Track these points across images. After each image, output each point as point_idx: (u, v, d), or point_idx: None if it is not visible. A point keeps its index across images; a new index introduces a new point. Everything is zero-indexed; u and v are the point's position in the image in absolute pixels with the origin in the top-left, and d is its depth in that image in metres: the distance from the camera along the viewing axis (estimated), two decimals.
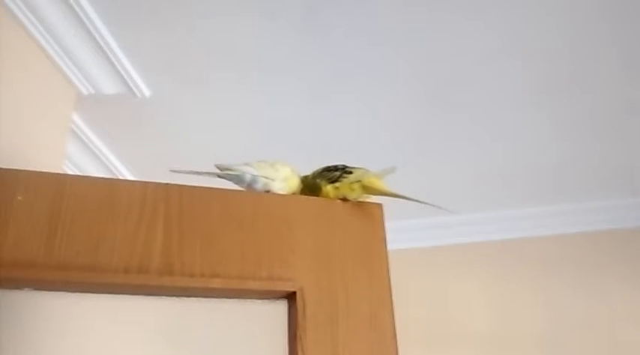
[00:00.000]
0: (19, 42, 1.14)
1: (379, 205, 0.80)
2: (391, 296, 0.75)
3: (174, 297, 0.67)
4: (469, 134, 1.66)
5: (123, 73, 1.35)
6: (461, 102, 1.52)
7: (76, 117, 1.48)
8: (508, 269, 2.05)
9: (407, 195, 0.77)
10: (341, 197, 0.79)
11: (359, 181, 0.78)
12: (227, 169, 0.78)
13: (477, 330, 1.97)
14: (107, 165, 1.65)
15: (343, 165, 0.84)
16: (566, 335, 1.90)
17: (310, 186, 0.84)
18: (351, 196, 0.78)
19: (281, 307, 0.72)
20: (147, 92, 1.43)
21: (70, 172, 1.59)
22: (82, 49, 1.27)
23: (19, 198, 0.64)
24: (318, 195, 0.82)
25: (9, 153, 1.07)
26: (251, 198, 0.75)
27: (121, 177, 1.74)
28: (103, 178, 0.70)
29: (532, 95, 1.50)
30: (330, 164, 0.86)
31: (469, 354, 1.95)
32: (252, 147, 1.62)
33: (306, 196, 0.82)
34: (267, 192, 0.78)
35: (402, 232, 2.07)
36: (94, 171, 1.65)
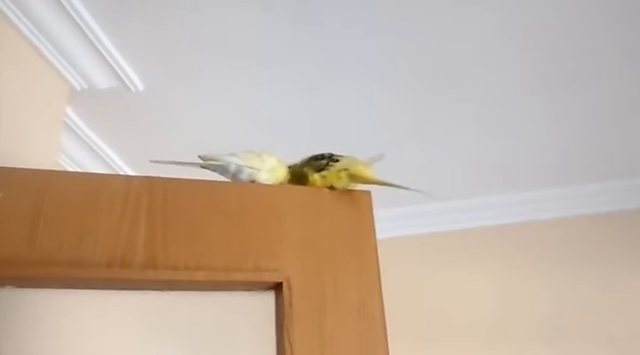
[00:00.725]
0: (9, 39, 1.13)
1: (367, 193, 0.79)
2: (380, 284, 0.75)
3: (158, 291, 0.67)
4: (468, 125, 1.64)
5: (115, 67, 1.34)
6: (460, 93, 1.50)
7: (71, 112, 1.48)
8: (507, 255, 2.03)
9: (394, 182, 0.76)
10: (328, 185, 0.78)
11: (346, 169, 0.77)
12: (211, 159, 0.77)
13: (475, 318, 1.96)
14: (105, 160, 1.65)
15: (330, 154, 0.83)
16: (567, 320, 1.88)
17: (298, 175, 0.83)
18: (339, 185, 0.77)
19: (268, 298, 0.71)
20: (140, 86, 1.42)
21: (70, 168, 1.60)
22: (74, 44, 1.26)
23: None
24: (305, 184, 0.82)
25: (2, 151, 1.07)
26: (237, 188, 0.75)
27: (120, 172, 1.74)
28: (85, 173, 0.70)
29: (531, 86, 1.47)
30: (317, 152, 0.85)
31: (467, 343, 1.94)
32: (248, 139, 1.61)
33: (292, 185, 0.81)
34: (253, 182, 0.78)
35: (398, 219, 2.06)
36: (93, 166, 1.65)
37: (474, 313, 1.96)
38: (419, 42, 1.32)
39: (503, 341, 1.90)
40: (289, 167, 0.84)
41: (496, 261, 2.03)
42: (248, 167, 0.77)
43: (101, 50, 1.29)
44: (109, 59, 1.32)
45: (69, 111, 1.47)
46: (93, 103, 1.47)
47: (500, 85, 1.46)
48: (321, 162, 0.81)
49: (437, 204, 2.07)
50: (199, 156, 0.77)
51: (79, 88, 1.34)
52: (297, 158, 0.89)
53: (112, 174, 0.68)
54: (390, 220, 2.00)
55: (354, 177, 0.77)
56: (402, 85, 1.46)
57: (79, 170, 1.62)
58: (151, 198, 0.70)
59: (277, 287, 0.71)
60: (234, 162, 0.77)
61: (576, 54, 1.36)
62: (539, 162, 1.85)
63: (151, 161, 0.73)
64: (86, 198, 0.67)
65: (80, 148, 1.57)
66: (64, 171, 0.68)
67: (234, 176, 0.77)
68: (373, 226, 0.78)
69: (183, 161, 0.76)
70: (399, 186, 0.77)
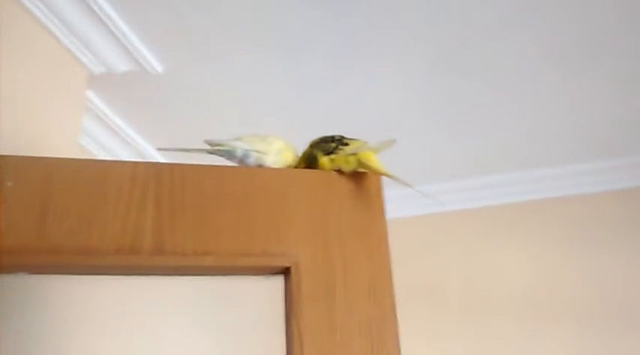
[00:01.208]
0: (25, 26, 1.15)
1: (377, 176, 0.78)
2: (390, 268, 0.73)
3: (167, 276, 0.68)
4: (493, 98, 1.59)
5: (132, 50, 1.34)
6: (486, 66, 1.45)
7: (95, 96, 1.50)
8: (541, 231, 1.98)
9: (397, 177, 0.74)
10: (336, 169, 0.77)
11: (355, 154, 0.76)
12: (217, 145, 0.76)
13: (510, 296, 1.93)
14: (131, 143, 1.67)
15: (340, 136, 0.81)
16: (605, 298, 1.84)
17: (307, 157, 0.82)
18: (346, 169, 0.76)
19: (277, 283, 0.71)
20: (159, 67, 1.42)
21: (96, 152, 1.62)
22: (89, 27, 1.27)
23: (9, 184, 0.64)
24: (314, 166, 0.81)
25: (23, 137, 1.09)
26: (244, 173, 0.74)
27: (147, 155, 1.76)
28: (92, 160, 0.70)
29: (556, 55, 1.42)
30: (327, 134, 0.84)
31: (505, 321, 1.92)
32: (271, 122, 1.61)
33: (300, 169, 0.80)
34: (260, 166, 0.77)
35: (427, 197, 2.03)
36: (119, 149, 1.67)
37: (508, 289, 1.94)
38: (438, 13, 1.27)
39: (538, 317, 1.88)
40: (306, 148, 0.83)
41: (529, 237, 1.99)
42: (255, 151, 0.76)
43: (117, 33, 1.29)
44: (125, 42, 1.32)
45: (92, 95, 1.49)
46: (116, 86, 1.48)
47: (527, 56, 1.41)
48: (331, 144, 0.79)
49: (468, 180, 2.04)
50: (205, 141, 0.77)
51: (97, 72, 1.35)
52: None
53: (118, 161, 0.68)
54: (423, 197, 1.96)
55: (362, 164, 0.75)
56: (424, 59, 1.42)
57: (106, 153, 1.65)
58: (158, 184, 0.70)
59: (285, 272, 0.71)
60: (240, 146, 0.76)
61: (598, 24, 1.29)
62: (569, 131, 1.78)
63: (158, 149, 0.73)
64: (93, 186, 0.68)
65: (106, 132, 1.59)
66: (71, 159, 0.68)
67: (242, 161, 0.77)
68: (383, 209, 0.76)
69: (189, 147, 0.76)
70: (398, 180, 0.74)
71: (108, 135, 1.59)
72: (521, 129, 1.75)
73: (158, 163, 0.71)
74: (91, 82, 1.37)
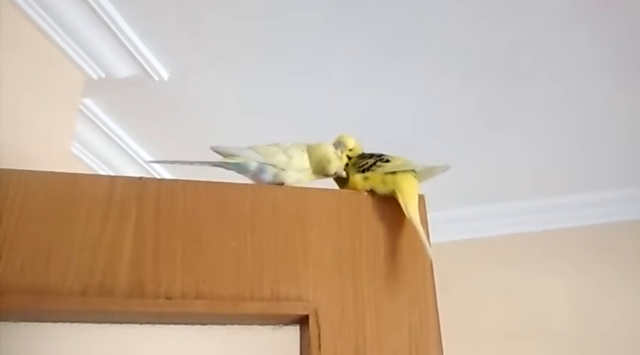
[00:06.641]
0: (14, 25, 1.02)
1: (421, 197, 0.61)
2: (437, 318, 0.57)
3: (146, 325, 0.52)
4: (544, 107, 1.41)
5: (136, 53, 1.21)
6: (533, 71, 1.28)
7: (93, 104, 1.37)
8: (590, 260, 1.79)
9: (421, 229, 0.57)
10: (369, 189, 0.61)
11: (394, 174, 0.60)
12: (228, 155, 0.61)
13: (555, 328, 1.74)
14: (133, 157, 1.53)
15: (380, 153, 0.66)
16: None
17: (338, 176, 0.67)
18: (381, 191, 0.60)
19: (290, 335, 0.55)
20: (165, 74, 1.28)
21: (99, 169, 1.49)
22: (87, 28, 1.14)
23: None
24: (343, 186, 0.65)
25: (9, 147, 0.96)
26: (250, 192, 0.58)
27: (152, 170, 1.62)
28: (58, 173, 0.55)
29: (618, 60, 1.24)
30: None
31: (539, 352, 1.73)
32: (286, 134, 1.45)
33: (322, 188, 0.64)
34: (281, 184, 0.61)
35: (466, 221, 1.85)
36: (122, 163, 1.53)
37: (555, 323, 1.75)
38: (483, 11, 1.12)
39: (580, 349, 1.69)
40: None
41: (577, 267, 1.80)
42: (272, 165, 0.61)
43: (119, 35, 1.16)
44: (128, 45, 1.19)
45: (90, 102, 1.36)
46: (116, 93, 1.34)
47: (580, 56, 1.23)
48: (367, 160, 0.64)
49: (505, 204, 1.86)
50: (212, 148, 0.61)
51: (95, 77, 1.22)
52: None
53: (90, 175, 0.53)
54: (458, 222, 1.78)
55: (400, 190, 0.59)
56: (465, 64, 1.25)
57: (106, 167, 1.51)
58: (141, 205, 0.55)
59: (302, 322, 0.55)
60: (255, 158, 0.60)
61: None
62: (629, 149, 1.59)
63: (148, 162, 0.58)
64: (57, 206, 0.53)
65: (105, 143, 1.46)
66: (31, 171, 0.53)
67: (256, 176, 0.61)
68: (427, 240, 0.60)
69: (189, 160, 0.60)
70: (421, 235, 0.57)
71: (107, 146, 1.45)
72: (566, 149, 1.57)
73: (142, 179, 0.56)
74: (89, 87, 1.24)
